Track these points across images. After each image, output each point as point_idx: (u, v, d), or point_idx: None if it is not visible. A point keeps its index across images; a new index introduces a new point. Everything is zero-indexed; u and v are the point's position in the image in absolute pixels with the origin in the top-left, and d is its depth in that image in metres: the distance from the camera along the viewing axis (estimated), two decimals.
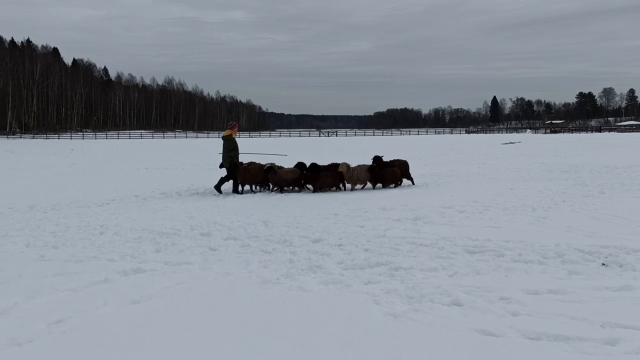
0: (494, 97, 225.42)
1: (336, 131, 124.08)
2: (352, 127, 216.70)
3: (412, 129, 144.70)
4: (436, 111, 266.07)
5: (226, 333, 4.29)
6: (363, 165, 14.55)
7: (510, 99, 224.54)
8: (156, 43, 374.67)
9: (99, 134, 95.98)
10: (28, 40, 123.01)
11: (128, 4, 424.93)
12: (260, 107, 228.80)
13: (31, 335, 4.24)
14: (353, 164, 14.85)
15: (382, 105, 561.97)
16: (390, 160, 15.26)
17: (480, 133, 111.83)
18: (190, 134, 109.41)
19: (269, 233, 8.38)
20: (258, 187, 14.68)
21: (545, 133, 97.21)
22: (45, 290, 5.41)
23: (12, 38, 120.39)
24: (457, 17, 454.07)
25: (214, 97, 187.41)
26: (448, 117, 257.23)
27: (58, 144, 58.30)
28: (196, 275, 6.05)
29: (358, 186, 14.47)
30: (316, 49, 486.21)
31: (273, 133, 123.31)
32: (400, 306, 4.90)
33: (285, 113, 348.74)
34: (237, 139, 14.87)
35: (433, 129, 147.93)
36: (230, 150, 14.26)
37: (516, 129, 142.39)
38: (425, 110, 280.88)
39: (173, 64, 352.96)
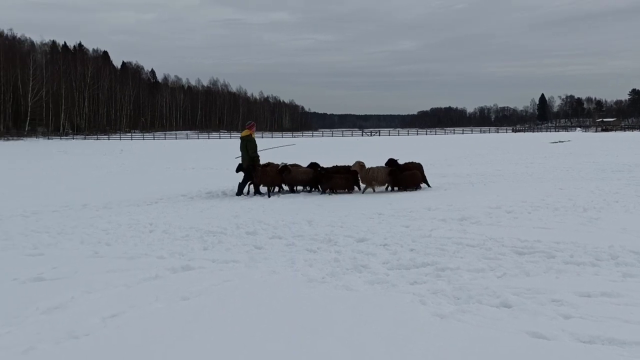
0: (542, 95, 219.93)
1: (379, 131, 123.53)
2: (395, 127, 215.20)
3: (456, 128, 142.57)
4: (481, 110, 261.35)
5: (272, 331, 4.35)
6: (383, 167, 13.98)
7: (559, 97, 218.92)
8: (202, 45, 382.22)
9: (147, 135, 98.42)
10: (80, 45, 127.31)
11: (176, 7, 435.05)
12: (302, 107, 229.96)
13: (87, 329, 4.40)
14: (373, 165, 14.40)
15: (426, 104, 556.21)
16: (405, 163, 14.64)
17: (527, 132, 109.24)
18: (235, 134, 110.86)
19: (313, 232, 8.43)
20: (276, 189, 14.35)
21: (596, 131, 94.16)
22: (100, 286, 5.61)
23: (65, 42, 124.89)
24: (503, 14, 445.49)
25: (258, 97, 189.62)
26: (494, 116, 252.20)
27: (108, 145, 60.14)
28: (243, 273, 6.15)
29: (376, 188, 13.87)
30: (359, 48, 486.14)
31: (315, 133, 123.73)
32: (447, 307, 4.85)
33: (328, 113, 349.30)
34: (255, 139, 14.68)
35: (478, 128, 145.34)
36: (251, 151, 14.11)
37: (565, 128, 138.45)
38: (470, 109, 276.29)
39: (218, 66, 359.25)
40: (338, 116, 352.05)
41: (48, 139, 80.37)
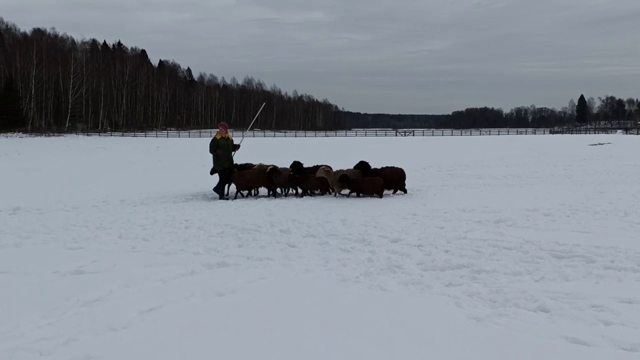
0: (581, 96, 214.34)
1: (413, 131, 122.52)
2: (429, 127, 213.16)
3: (492, 129, 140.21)
4: (518, 110, 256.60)
5: (306, 329, 4.36)
6: (341, 171, 13.10)
7: (599, 98, 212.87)
8: (238, 44, 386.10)
9: (182, 133, 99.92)
10: (119, 43, 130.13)
11: (212, 6, 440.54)
12: (336, 107, 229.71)
13: (125, 322, 4.50)
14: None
15: (461, 105, 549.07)
16: (382, 167, 13.52)
17: (565, 133, 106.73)
18: (268, 132, 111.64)
19: (347, 231, 8.42)
20: (256, 192, 13.92)
21: (638, 134, 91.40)
22: (138, 280, 5.72)
23: (105, 41, 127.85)
24: (542, 13, 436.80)
25: (292, 96, 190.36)
26: (531, 117, 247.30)
27: (145, 142, 61.27)
28: (277, 271, 6.18)
29: (343, 192, 13.12)
30: (394, 47, 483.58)
31: (349, 132, 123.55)
32: (483, 310, 4.79)
33: (362, 112, 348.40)
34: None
35: (514, 129, 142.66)
36: (210, 149, 13.61)
37: (605, 130, 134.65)
38: (506, 110, 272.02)
39: (253, 65, 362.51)
40: (372, 116, 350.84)
41: (87, 135, 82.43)
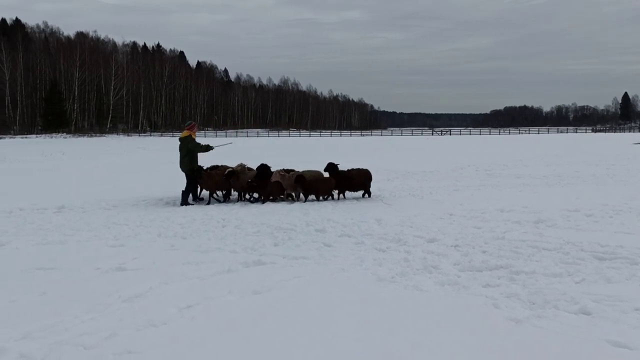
0: (625, 93, 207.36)
1: (449, 130, 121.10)
2: (466, 126, 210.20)
3: (531, 128, 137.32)
4: (559, 109, 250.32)
5: (342, 328, 4.37)
6: (294, 174, 12.31)
7: None
8: (274, 44, 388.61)
9: (219, 133, 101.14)
10: (158, 45, 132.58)
11: (249, 7, 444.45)
12: (372, 106, 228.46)
13: (165, 318, 4.60)
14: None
15: (500, 103, 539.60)
16: (349, 169, 12.86)
17: (608, 132, 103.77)
18: (304, 132, 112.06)
19: (382, 231, 8.39)
20: (219, 194, 13.00)
21: None
22: (176, 277, 5.84)
23: (145, 43, 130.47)
24: (584, 9, 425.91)
25: (327, 96, 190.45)
26: (572, 115, 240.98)
27: None
28: (313, 269, 6.21)
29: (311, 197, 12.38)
30: (431, 46, 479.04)
31: (384, 132, 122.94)
32: (522, 311, 4.71)
33: (397, 111, 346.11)
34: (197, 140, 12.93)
35: (555, 128, 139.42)
36: (196, 148, 12.58)
37: None
38: (546, 108, 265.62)
39: (289, 65, 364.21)
40: (408, 115, 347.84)
41: (127, 135, 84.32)
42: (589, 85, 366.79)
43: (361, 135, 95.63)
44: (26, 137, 70.64)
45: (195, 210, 11.01)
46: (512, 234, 7.99)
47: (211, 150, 12.87)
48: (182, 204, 11.91)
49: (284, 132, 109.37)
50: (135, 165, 25.53)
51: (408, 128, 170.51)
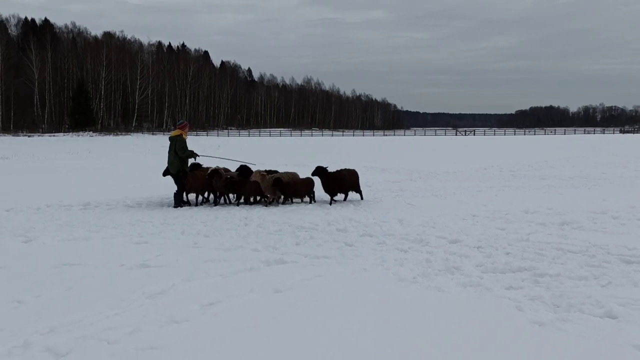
0: None
1: (473, 130, 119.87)
2: (490, 126, 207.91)
3: (557, 128, 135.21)
4: (586, 109, 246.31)
5: (363, 327, 4.36)
6: (274, 175, 11.79)
7: None
8: (297, 44, 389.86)
9: (242, 132, 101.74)
10: (183, 45, 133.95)
11: (273, 7, 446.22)
12: (395, 106, 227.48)
13: (187, 315, 4.65)
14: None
15: (525, 103, 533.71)
16: (337, 170, 12.20)
17: (637, 133, 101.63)
18: (326, 132, 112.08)
19: (404, 232, 8.35)
20: (203, 197, 12.48)
21: None
22: (199, 275, 5.90)
23: (170, 43, 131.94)
24: (612, 8, 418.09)
25: (350, 95, 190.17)
26: (600, 116, 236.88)
27: (206, 141, 62.85)
28: (334, 269, 6.21)
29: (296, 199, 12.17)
30: (455, 45, 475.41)
31: (407, 132, 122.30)
32: (545, 314, 4.64)
33: (421, 111, 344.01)
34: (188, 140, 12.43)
35: (582, 129, 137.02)
36: (180, 152, 11.94)
37: None
38: (573, 108, 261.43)
39: (312, 64, 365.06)
40: (431, 115, 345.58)
41: (152, 134, 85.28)
42: (616, 85, 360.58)
43: (384, 135, 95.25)
44: (54, 136, 72.07)
45: (218, 209, 11.10)
46: (536, 235, 7.88)
47: (194, 158, 12.25)
48: (175, 206, 11.52)
49: (307, 132, 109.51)
50: (159, 164, 25.75)
51: (431, 128, 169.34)
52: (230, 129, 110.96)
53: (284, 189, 11.66)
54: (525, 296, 5.14)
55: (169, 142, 12.30)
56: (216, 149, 42.20)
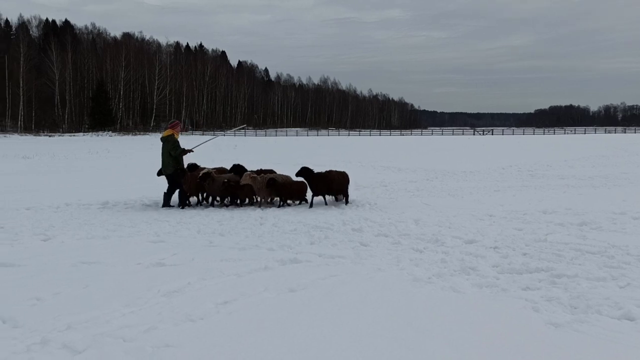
0: None
1: (492, 129, 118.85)
2: (509, 126, 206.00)
3: (577, 128, 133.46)
4: (607, 108, 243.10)
5: (378, 327, 4.35)
6: (265, 177, 11.43)
7: None
8: (314, 44, 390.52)
9: (259, 132, 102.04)
10: (200, 45, 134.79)
11: (290, 7, 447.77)
12: (412, 105, 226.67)
13: (202, 313, 4.67)
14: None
15: (544, 102, 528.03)
16: (327, 171, 11.73)
17: None
18: (343, 131, 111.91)
19: (420, 232, 8.31)
20: (198, 199, 12.25)
21: None
22: (214, 273, 5.93)
23: (187, 43, 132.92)
24: (632, 5, 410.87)
25: (367, 95, 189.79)
26: (621, 115, 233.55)
27: (223, 140, 63.08)
28: (349, 269, 6.21)
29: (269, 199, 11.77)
30: (472, 44, 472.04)
31: (425, 131, 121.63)
32: (562, 316, 4.58)
33: (438, 111, 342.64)
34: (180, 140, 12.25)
35: (602, 128, 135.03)
36: (172, 151, 11.87)
37: None
38: (593, 108, 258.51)
39: (329, 64, 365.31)
40: (449, 114, 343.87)
41: None
42: (638, 84, 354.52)
43: (400, 135, 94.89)
44: (74, 135, 73.03)
45: (233, 208, 11.15)
46: (554, 236, 7.79)
47: (190, 153, 12.34)
48: (163, 206, 11.53)
49: (323, 131, 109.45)
50: None
51: (449, 127, 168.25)
52: (248, 129, 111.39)
53: (279, 189, 11.44)
54: (542, 297, 5.09)
55: (161, 143, 12.16)
56: (233, 149, 42.43)
